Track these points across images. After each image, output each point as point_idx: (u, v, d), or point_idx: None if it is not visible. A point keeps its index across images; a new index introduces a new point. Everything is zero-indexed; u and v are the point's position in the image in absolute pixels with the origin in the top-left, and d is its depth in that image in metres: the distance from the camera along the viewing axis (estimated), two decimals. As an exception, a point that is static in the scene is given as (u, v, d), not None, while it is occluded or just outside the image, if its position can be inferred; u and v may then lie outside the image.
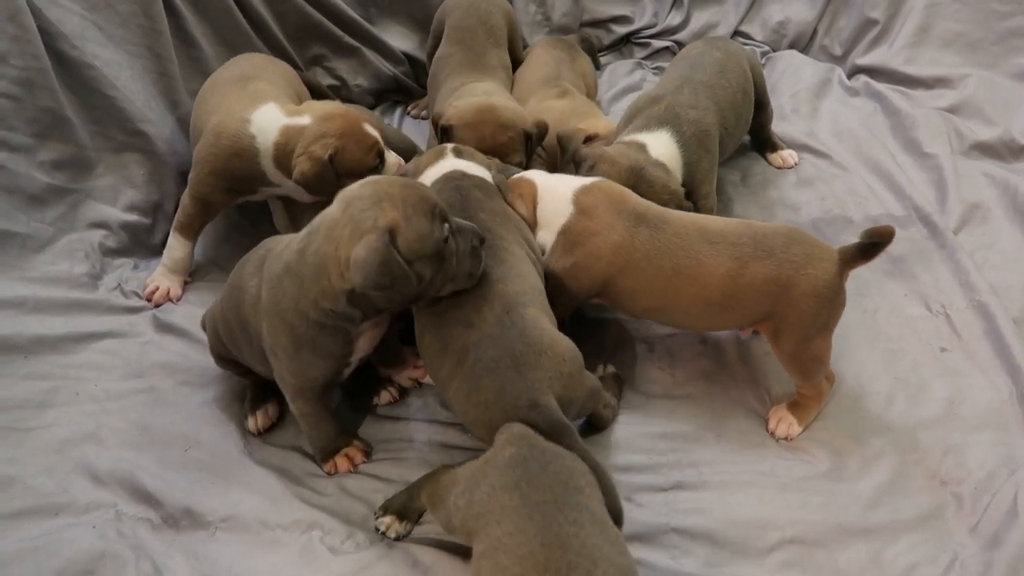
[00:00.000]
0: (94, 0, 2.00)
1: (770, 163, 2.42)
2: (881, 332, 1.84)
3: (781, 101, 2.65)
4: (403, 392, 1.74)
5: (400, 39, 2.74)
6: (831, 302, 1.54)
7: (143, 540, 1.45)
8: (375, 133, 1.82)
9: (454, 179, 1.63)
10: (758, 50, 2.95)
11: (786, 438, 1.62)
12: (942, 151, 2.34)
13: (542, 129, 2.02)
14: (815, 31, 2.96)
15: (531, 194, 1.69)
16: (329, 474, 1.58)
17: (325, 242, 1.33)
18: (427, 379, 1.75)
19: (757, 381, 1.74)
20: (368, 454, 1.62)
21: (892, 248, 2.02)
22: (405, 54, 2.73)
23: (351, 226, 1.30)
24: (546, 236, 1.66)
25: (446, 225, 1.36)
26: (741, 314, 1.59)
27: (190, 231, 1.97)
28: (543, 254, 1.66)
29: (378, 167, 1.81)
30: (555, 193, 1.68)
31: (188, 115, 2.15)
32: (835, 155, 2.40)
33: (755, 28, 3.01)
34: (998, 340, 1.77)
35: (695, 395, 1.73)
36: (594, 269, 1.62)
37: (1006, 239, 2.07)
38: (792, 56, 2.90)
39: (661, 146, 1.90)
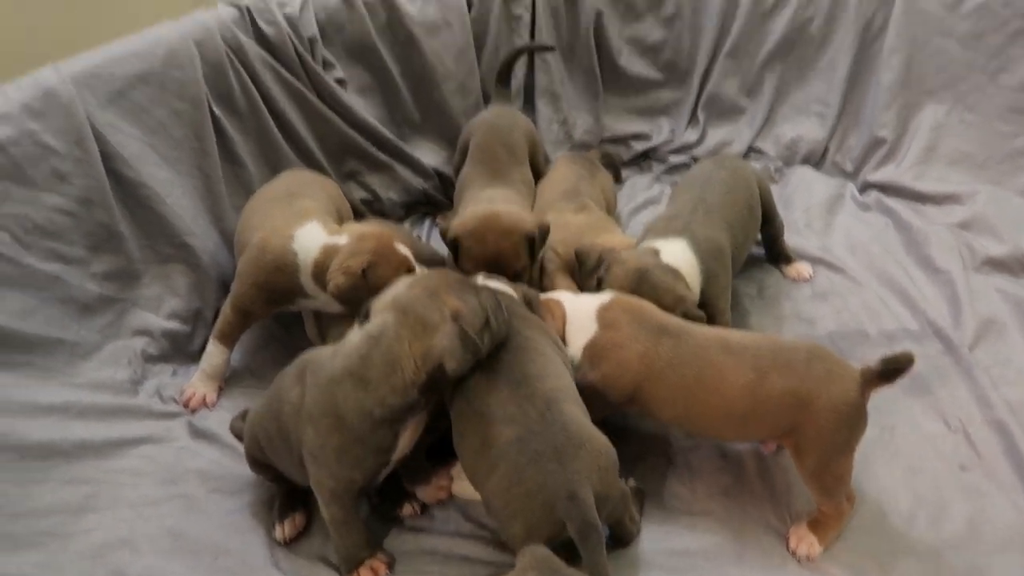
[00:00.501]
0: (152, 125, 2.16)
1: (785, 275, 2.49)
2: (900, 449, 1.85)
3: (795, 216, 2.75)
4: (425, 507, 1.78)
5: (430, 155, 2.90)
6: (852, 421, 1.57)
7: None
8: (406, 252, 1.93)
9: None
10: (771, 165, 3.07)
11: (807, 558, 1.62)
12: (955, 267, 2.40)
13: (544, 230, 2.11)
14: (826, 148, 3.08)
15: (560, 314, 1.78)
16: (352, 586, 1.61)
17: (396, 344, 1.48)
18: (456, 491, 1.79)
19: (778, 498, 1.75)
20: (391, 566, 1.64)
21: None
22: (435, 169, 2.88)
23: (420, 324, 1.49)
24: (575, 352, 1.73)
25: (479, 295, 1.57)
26: (763, 426, 1.63)
27: (229, 339, 2.07)
28: (573, 368, 1.71)
29: None
30: (580, 312, 1.77)
31: (230, 228, 2.30)
32: (849, 269, 2.46)
33: (768, 144, 3.14)
34: (1017, 458, 1.78)
35: (715, 511, 1.74)
36: (623, 379, 1.68)
37: (1022, 355, 2.10)
38: (805, 172, 3.02)
39: (677, 253, 1.96)
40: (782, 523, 1.70)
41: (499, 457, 1.43)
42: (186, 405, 2.03)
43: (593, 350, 1.71)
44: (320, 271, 1.91)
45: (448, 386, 1.56)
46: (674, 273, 1.92)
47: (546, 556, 1.30)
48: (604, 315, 1.74)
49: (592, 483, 1.41)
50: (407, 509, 1.76)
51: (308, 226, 1.98)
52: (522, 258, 2.05)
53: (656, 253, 1.96)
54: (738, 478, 1.81)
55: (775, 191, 2.89)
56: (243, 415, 1.94)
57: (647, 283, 1.87)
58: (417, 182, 2.85)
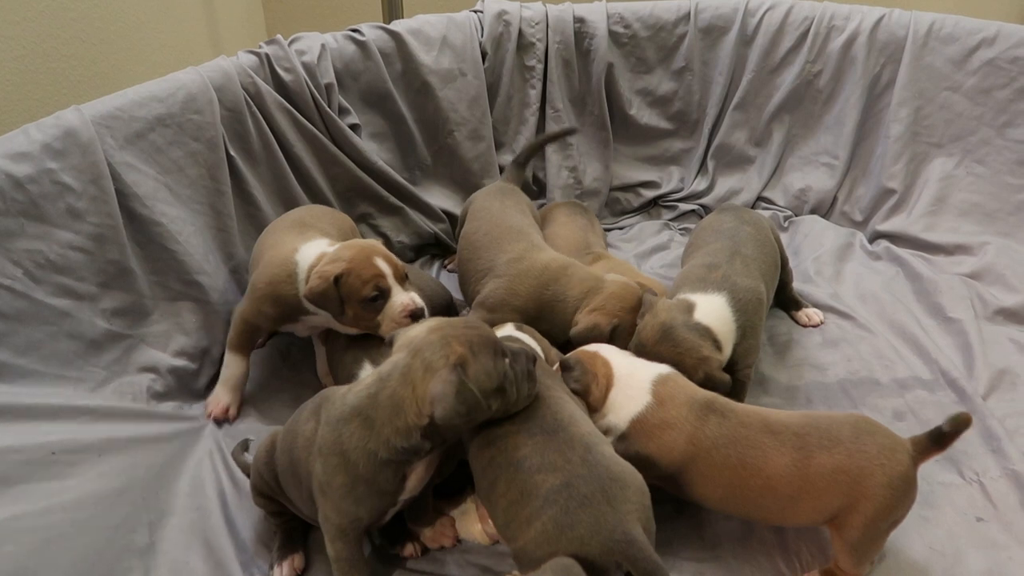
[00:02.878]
0: (167, 164, 2.20)
1: (796, 321, 2.48)
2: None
3: (804, 264, 2.75)
4: (426, 548, 1.75)
5: (441, 199, 2.94)
6: (905, 495, 1.50)
7: None
8: (384, 268, 1.91)
9: (509, 341, 1.75)
10: (780, 215, 3.08)
11: (814, 605, 1.57)
12: (966, 316, 2.38)
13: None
14: (835, 198, 3.10)
15: (606, 375, 1.71)
16: (354, 631, 1.56)
17: (401, 385, 1.46)
18: (462, 534, 1.76)
19: (786, 545, 1.71)
20: (394, 611, 1.61)
21: (921, 412, 2.06)
22: (445, 212, 2.92)
23: (424, 367, 1.46)
24: (616, 421, 1.67)
25: (506, 359, 1.50)
26: (813, 507, 1.53)
27: (243, 348, 2.13)
28: (608, 437, 1.65)
29: (376, 300, 1.89)
30: (633, 380, 1.70)
31: (241, 266, 2.34)
32: (859, 317, 2.45)
33: (777, 194, 3.17)
34: (1035, 513, 1.73)
35: (723, 557, 1.69)
36: (666, 460, 1.62)
37: (1036, 406, 2.07)
38: (814, 221, 3.03)
39: (714, 309, 1.91)
40: (791, 571, 1.66)
41: (544, 505, 1.39)
42: (209, 415, 2.09)
43: (642, 425, 1.64)
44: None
45: (455, 434, 1.53)
46: (701, 332, 1.86)
47: (569, 564, 1.29)
48: (660, 389, 1.67)
49: (641, 522, 1.40)
50: (408, 549, 1.73)
51: (314, 242, 2.03)
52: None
53: (690, 308, 1.91)
54: (747, 524, 1.76)
55: (784, 239, 2.92)
56: (244, 445, 1.94)
57: (669, 340, 1.84)
58: (428, 225, 2.88)
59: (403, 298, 1.92)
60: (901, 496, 1.49)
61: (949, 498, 1.81)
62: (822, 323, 2.46)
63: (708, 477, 1.59)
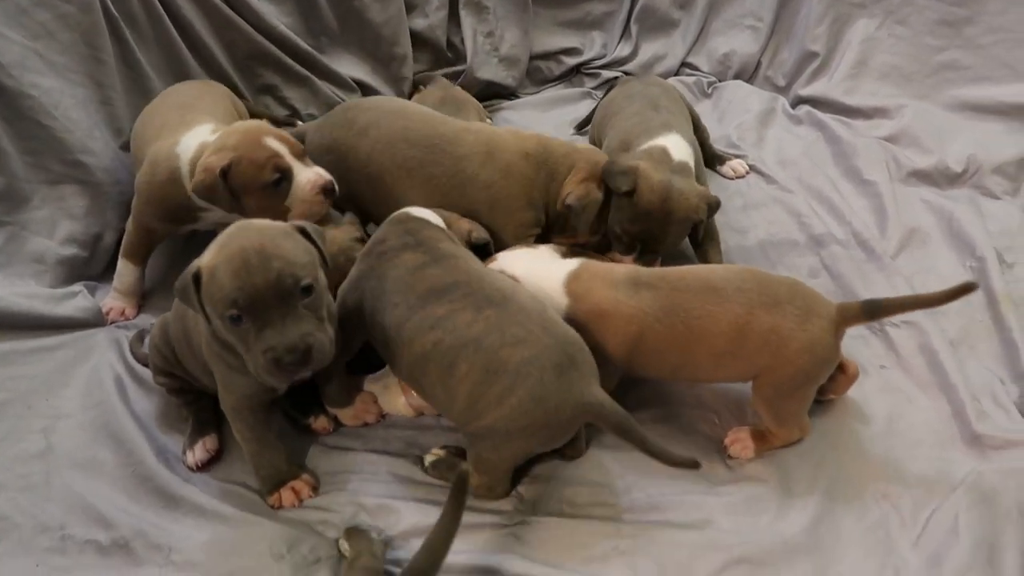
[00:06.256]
0: (35, 29, 1.96)
1: (723, 175, 2.50)
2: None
3: (728, 130, 2.73)
4: (339, 423, 1.72)
5: (351, 67, 2.75)
6: (824, 361, 1.53)
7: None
8: (278, 147, 1.73)
9: (399, 220, 1.66)
10: (704, 80, 3.02)
11: (738, 456, 1.62)
12: (881, 178, 2.41)
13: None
14: (759, 63, 3.05)
15: None
16: (273, 507, 1.54)
17: None
18: (388, 408, 1.74)
19: (706, 405, 1.75)
20: (316, 489, 1.58)
21: (834, 266, 2.11)
22: (356, 81, 2.73)
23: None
24: None
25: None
26: (745, 364, 1.54)
27: (136, 257, 1.97)
28: None
29: (280, 183, 1.72)
30: (544, 288, 1.62)
31: (132, 144, 2.15)
32: (780, 181, 2.46)
33: (701, 60, 3.10)
34: (933, 358, 1.81)
35: (645, 421, 1.72)
36: (612, 346, 1.58)
37: (943, 263, 2.13)
38: (738, 86, 2.99)
39: (680, 147, 2.02)
40: (711, 428, 1.70)
41: (518, 379, 1.36)
42: (107, 316, 1.97)
43: (571, 326, 1.55)
44: (194, 172, 1.78)
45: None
46: (688, 170, 1.95)
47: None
48: (573, 287, 1.61)
49: (596, 379, 1.43)
50: (320, 423, 1.70)
51: (194, 130, 1.84)
52: None
53: (665, 151, 1.98)
54: (667, 387, 1.79)
55: (708, 106, 2.87)
56: (140, 336, 1.87)
57: (674, 193, 1.87)
58: (339, 96, 2.69)
59: (308, 175, 1.74)
60: (820, 362, 1.52)
61: (858, 349, 1.87)
62: (747, 173, 2.49)
63: (657, 351, 1.57)
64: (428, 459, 1.61)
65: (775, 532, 1.47)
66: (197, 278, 1.32)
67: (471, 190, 1.89)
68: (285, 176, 1.73)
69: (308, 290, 1.33)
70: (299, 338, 1.30)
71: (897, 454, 1.62)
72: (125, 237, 1.96)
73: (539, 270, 1.67)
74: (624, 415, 1.39)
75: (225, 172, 1.68)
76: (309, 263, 1.35)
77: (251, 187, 1.71)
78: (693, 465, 1.38)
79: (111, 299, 1.99)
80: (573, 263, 1.67)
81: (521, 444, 1.44)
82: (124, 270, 1.97)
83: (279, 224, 1.39)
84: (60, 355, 1.86)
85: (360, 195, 1.95)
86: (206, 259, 1.33)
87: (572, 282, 1.62)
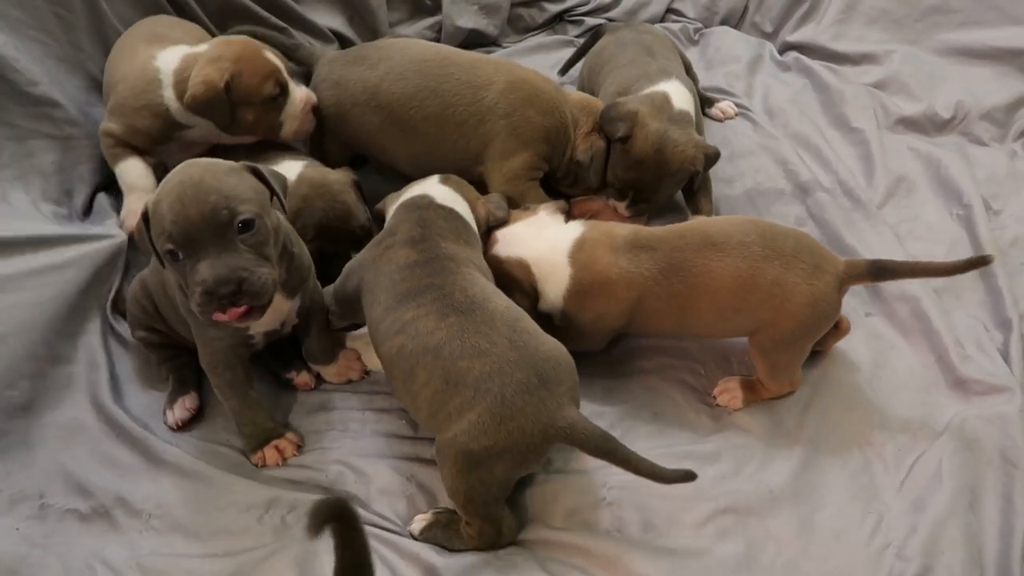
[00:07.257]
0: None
1: (712, 118, 2.47)
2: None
3: (715, 78, 2.67)
4: (321, 379, 1.71)
5: (327, 17, 2.64)
6: (825, 316, 1.52)
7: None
8: (277, 62, 1.76)
9: (419, 207, 1.60)
10: (690, 27, 2.95)
11: (727, 406, 1.62)
12: (868, 126, 2.38)
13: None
14: (746, 8, 2.99)
15: (527, 275, 1.63)
16: (257, 466, 1.53)
17: None
18: (371, 365, 1.71)
19: (690, 356, 1.75)
20: (300, 448, 1.57)
21: (820, 214, 2.09)
22: (334, 31, 2.64)
23: None
24: (552, 303, 1.63)
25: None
26: (747, 318, 1.53)
27: (128, 150, 1.85)
28: (554, 315, 1.65)
29: (278, 98, 1.76)
30: (548, 261, 1.62)
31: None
32: (767, 129, 2.42)
33: (687, 6, 3.03)
34: (917, 305, 1.80)
35: (631, 373, 1.73)
36: (615, 312, 1.58)
37: (930, 211, 2.12)
38: (725, 33, 2.92)
39: (681, 94, 1.99)
40: (696, 379, 1.71)
41: (477, 395, 1.28)
42: (123, 227, 1.88)
43: (576, 295, 1.58)
44: (181, 82, 1.72)
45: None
46: (686, 119, 1.94)
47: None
48: (577, 257, 1.59)
49: (574, 401, 1.34)
50: (302, 378, 1.68)
51: (171, 48, 1.81)
52: None
53: (666, 98, 1.95)
54: (654, 340, 1.78)
55: (695, 53, 2.81)
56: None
57: (669, 143, 1.86)
58: (317, 47, 2.60)
59: (301, 92, 1.82)
60: (821, 317, 1.51)
61: (846, 297, 1.86)
62: (736, 115, 2.47)
63: (658, 311, 1.56)
64: (415, 526, 1.45)
65: (760, 481, 1.48)
66: (146, 216, 1.29)
67: (490, 118, 1.88)
68: (283, 91, 1.77)
69: (248, 225, 1.27)
70: (230, 271, 1.24)
71: (882, 401, 1.63)
72: (104, 146, 1.87)
73: (543, 248, 1.64)
74: (602, 436, 1.28)
75: (227, 85, 1.67)
76: (252, 199, 1.30)
77: (251, 100, 1.71)
78: (687, 478, 1.26)
79: (127, 203, 1.88)
80: (575, 230, 1.65)
81: (492, 468, 1.31)
82: (126, 167, 1.85)
83: (227, 162, 1.34)
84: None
85: (365, 132, 1.94)
86: (152, 195, 1.30)
87: (576, 252, 1.61)
